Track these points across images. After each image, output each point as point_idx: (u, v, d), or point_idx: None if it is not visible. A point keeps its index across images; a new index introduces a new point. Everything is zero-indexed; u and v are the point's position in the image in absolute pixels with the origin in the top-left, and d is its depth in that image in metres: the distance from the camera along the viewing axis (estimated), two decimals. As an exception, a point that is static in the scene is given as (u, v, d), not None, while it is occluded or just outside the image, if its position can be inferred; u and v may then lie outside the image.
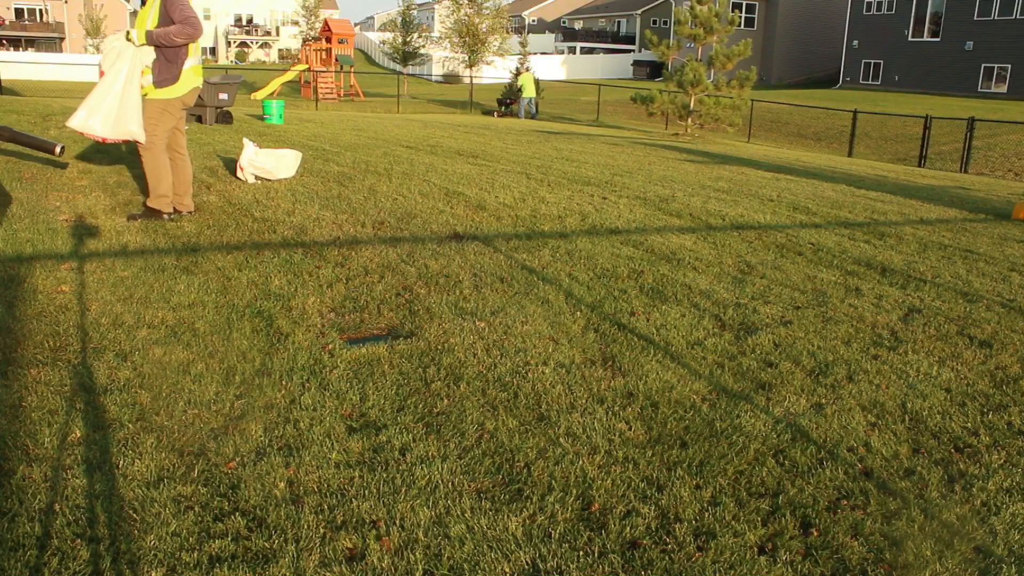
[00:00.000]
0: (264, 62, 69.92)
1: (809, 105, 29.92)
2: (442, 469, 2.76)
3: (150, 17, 5.77)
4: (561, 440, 3.00)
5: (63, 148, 8.11)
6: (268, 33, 72.58)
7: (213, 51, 72.44)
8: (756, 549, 2.42)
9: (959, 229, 7.71)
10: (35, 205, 6.39)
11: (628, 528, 2.48)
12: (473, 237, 6.11)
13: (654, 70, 52.80)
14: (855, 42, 46.38)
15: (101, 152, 9.48)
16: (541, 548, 2.37)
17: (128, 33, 5.76)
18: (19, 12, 60.38)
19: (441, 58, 43.66)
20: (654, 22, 57.85)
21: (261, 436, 2.91)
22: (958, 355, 4.14)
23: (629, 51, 62.11)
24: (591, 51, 63.43)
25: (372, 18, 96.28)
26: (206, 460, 2.73)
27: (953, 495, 2.78)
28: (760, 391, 3.55)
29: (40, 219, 5.91)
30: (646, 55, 55.91)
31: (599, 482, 2.72)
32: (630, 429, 3.12)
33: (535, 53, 42.43)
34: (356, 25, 78.23)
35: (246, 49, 72.03)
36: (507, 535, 2.42)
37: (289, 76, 37.30)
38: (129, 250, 5.25)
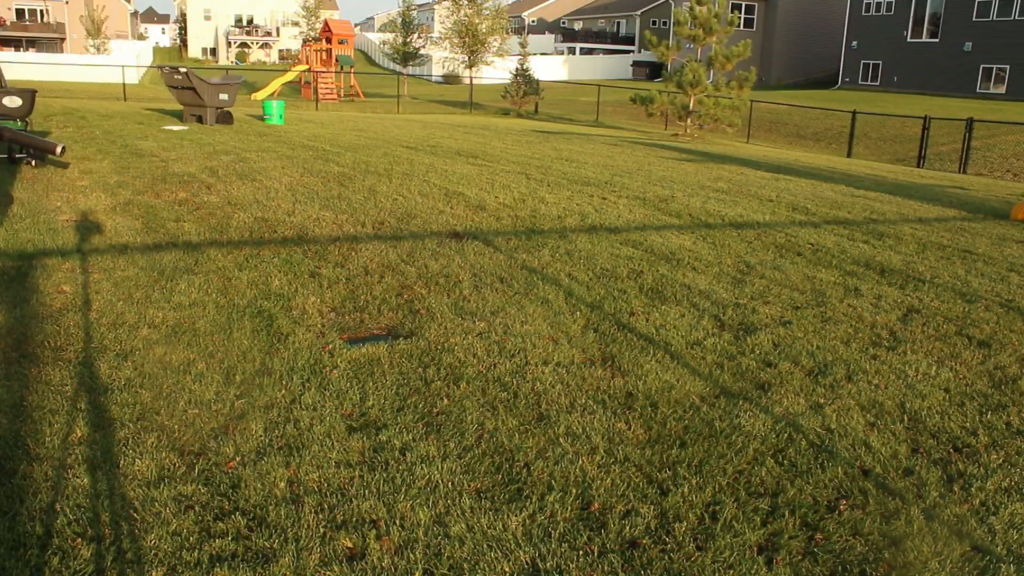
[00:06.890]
0: (264, 63, 69.91)
1: (808, 106, 29.91)
2: (442, 469, 2.76)
3: None
4: (561, 440, 3.01)
5: (64, 148, 8.12)
6: (268, 34, 72.54)
7: (214, 51, 72.44)
8: (756, 549, 2.43)
9: (958, 229, 7.71)
10: (36, 205, 6.40)
11: (628, 527, 2.49)
12: (473, 237, 6.12)
13: (654, 71, 52.78)
14: (854, 43, 46.37)
15: (102, 153, 9.50)
16: (541, 547, 2.37)
17: None
18: (20, 12, 60.38)
19: (441, 59, 43.63)
20: (653, 23, 57.82)
21: (261, 435, 2.92)
22: (957, 355, 4.14)
23: (629, 52, 62.09)
24: (591, 52, 63.42)
25: (372, 19, 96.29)
26: (207, 459, 2.74)
27: (952, 495, 2.79)
28: (759, 391, 3.55)
29: (41, 219, 5.92)
30: (646, 56, 55.91)
31: (599, 482, 2.73)
32: (630, 429, 3.12)
33: (535, 54, 42.39)
34: (356, 26, 78.23)
35: (246, 50, 72.01)
36: (507, 534, 2.42)
37: (289, 77, 37.29)
38: (130, 250, 5.25)
